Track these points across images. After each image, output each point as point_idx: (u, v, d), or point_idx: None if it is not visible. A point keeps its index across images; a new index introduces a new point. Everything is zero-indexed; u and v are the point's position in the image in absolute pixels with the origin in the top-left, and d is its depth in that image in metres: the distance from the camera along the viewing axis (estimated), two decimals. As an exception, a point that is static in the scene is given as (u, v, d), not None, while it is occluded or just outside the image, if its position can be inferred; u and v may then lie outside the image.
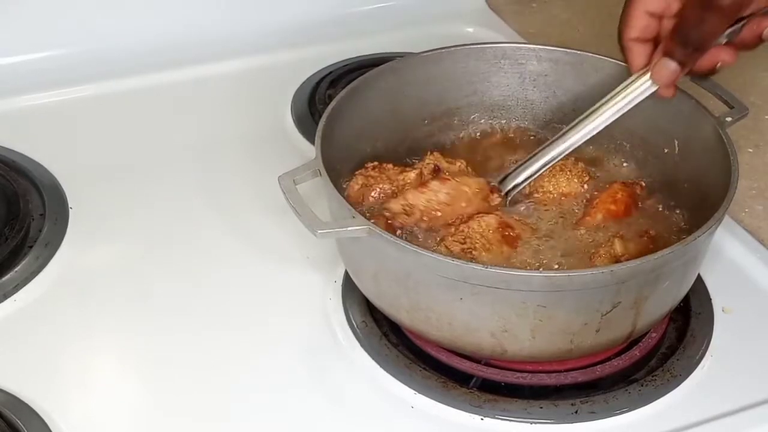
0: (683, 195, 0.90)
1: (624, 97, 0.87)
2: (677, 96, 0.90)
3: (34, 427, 0.77)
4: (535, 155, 0.90)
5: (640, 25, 0.85)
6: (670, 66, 0.83)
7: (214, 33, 1.23)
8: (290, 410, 0.81)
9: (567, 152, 0.89)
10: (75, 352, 0.85)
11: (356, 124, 0.91)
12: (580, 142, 0.89)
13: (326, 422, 0.80)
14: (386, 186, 0.89)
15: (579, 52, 0.96)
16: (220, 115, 1.13)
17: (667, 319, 0.87)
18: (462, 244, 0.82)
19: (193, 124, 1.12)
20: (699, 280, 0.90)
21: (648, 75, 0.86)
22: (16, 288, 0.89)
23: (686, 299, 0.87)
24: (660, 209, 0.91)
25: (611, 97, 0.88)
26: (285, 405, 0.81)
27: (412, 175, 0.89)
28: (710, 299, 0.89)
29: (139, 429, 0.79)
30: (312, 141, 0.91)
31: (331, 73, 1.18)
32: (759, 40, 0.85)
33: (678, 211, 0.90)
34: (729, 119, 0.89)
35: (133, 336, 0.87)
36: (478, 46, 0.98)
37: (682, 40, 0.82)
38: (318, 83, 1.17)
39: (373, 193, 0.88)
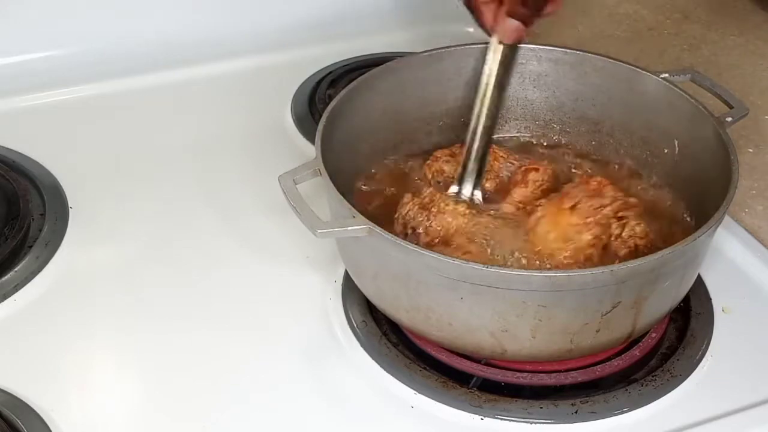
0: (683, 195, 0.91)
1: (496, 66, 0.91)
2: (677, 96, 0.91)
3: (34, 427, 0.77)
4: (467, 157, 0.91)
5: None
6: (513, 24, 0.89)
7: (214, 33, 1.23)
8: (290, 410, 0.81)
9: (488, 136, 0.91)
10: (75, 352, 0.85)
11: (356, 124, 0.91)
12: (491, 124, 0.91)
13: (326, 422, 0.80)
14: None
15: (579, 52, 0.97)
16: (220, 115, 1.14)
17: (667, 319, 0.87)
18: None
19: (193, 124, 1.12)
20: (699, 280, 0.90)
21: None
22: (16, 288, 0.89)
23: (686, 299, 0.87)
24: (660, 209, 0.91)
25: (488, 75, 0.92)
26: (285, 405, 0.81)
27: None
28: (710, 299, 0.89)
29: (139, 429, 0.79)
30: (312, 141, 0.91)
31: (331, 73, 1.18)
32: None
33: (678, 212, 0.90)
34: (729, 119, 0.89)
35: (132, 336, 0.87)
36: (478, 46, 0.98)
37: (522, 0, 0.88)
38: (318, 83, 1.17)
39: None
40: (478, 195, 0.91)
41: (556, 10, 0.91)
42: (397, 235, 0.83)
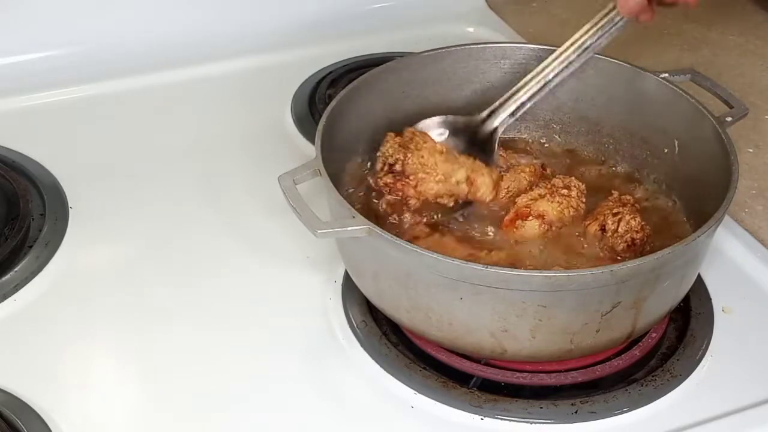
0: (683, 195, 0.91)
1: (597, 29, 0.89)
2: (677, 96, 0.91)
3: (34, 427, 0.77)
4: (518, 90, 0.92)
5: None
6: None
7: (215, 33, 1.23)
8: (290, 410, 0.81)
9: (549, 86, 0.91)
10: (75, 352, 0.85)
11: (356, 124, 0.91)
12: (561, 75, 0.91)
13: (326, 422, 0.80)
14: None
15: (579, 51, 0.96)
16: (220, 115, 1.14)
17: (667, 319, 0.87)
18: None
19: (193, 124, 1.12)
20: (699, 280, 0.90)
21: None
22: (16, 288, 0.89)
23: (686, 299, 0.87)
24: (660, 209, 0.91)
25: (586, 31, 0.90)
26: (285, 405, 0.81)
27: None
28: (710, 299, 0.89)
29: (139, 428, 0.79)
30: (312, 141, 0.91)
31: (331, 73, 1.18)
32: None
33: (678, 211, 0.90)
34: (729, 119, 0.89)
35: (132, 336, 0.87)
36: (478, 46, 0.98)
37: None
38: (318, 83, 1.17)
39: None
40: (501, 129, 0.92)
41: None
42: (376, 171, 0.88)
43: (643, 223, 0.86)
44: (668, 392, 0.81)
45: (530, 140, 1.00)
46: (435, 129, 0.93)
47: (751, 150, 1.09)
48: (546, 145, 0.99)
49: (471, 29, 1.30)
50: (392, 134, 0.90)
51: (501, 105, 0.93)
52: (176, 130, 1.11)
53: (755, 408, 0.81)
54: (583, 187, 0.90)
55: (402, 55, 1.05)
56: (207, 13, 1.24)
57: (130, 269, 0.93)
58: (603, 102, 0.96)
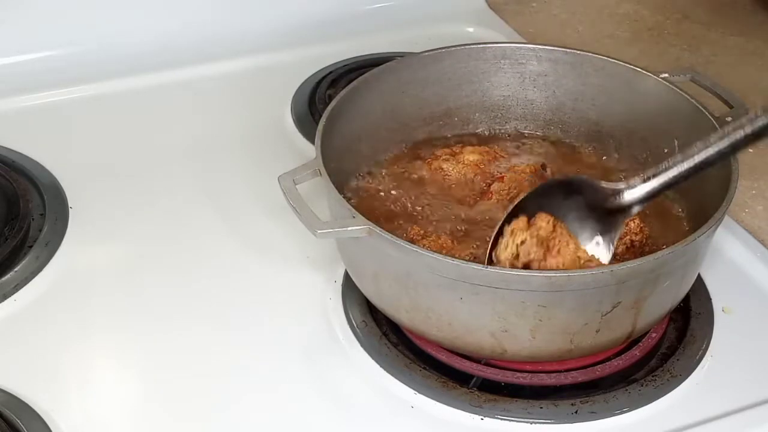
0: (683, 195, 0.91)
1: (748, 129, 0.79)
2: (677, 96, 0.91)
3: (34, 427, 0.77)
4: (667, 167, 0.80)
5: None
6: None
7: (214, 33, 1.23)
8: (290, 410, 0.81)
9: (705, 167, 0.80)
10: (75, 352, 0.85)
11: (356, 124, 0.91)
12: (721, 154, 0.79)
13: (326, 422, 0.80)
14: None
15: (579, 52, 0.96)
16: (220, 115, 1.14)
17: (667, 319, 0.87)
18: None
19: (193, 124, 1.12)
20: (699, 280, 0.90)
21: None
22: (16, 288, 0.89)
23: (686, 299, 0.87)
24: (659, 209, 0.91)
25: (737, 129, 0.79)
26: (285, 405, 0.81)
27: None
28: (710, 299, 0.89)
29: (139, 428, 0.79)
30: (312, 141, 0.91)
31: (331, 73, 1.18)
32: None
33: (678, 211, 0.90)
34: (729, 119, 0.89)
35: (132, 336, 0.87)
36: (478, 46, 0.98)
37: None
38: (318, 83, 1.17)
39: None
40: (636, 210, 0.82)
41: None
42: (500, 262, 0.79)
43: (642, 225, 0.86)
44: (668, 392, 0.81)
45: (531, 139, 1.00)
46: (562, 190, 0.83)
47: (751, 150, 1.08)
48: (546, 144, 0.99)
49: (471, 29, 1.30)
50: (524, 219, 0.79)
51: (645, 180, 0.81)
52: (176, 130, 1.11)
53: (755, 408, 0.81)
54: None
55: (402, 55, 1.05)
56: (207, 13, 1.24)
57: (130, 269, 0.93)
58: (603, 102, 0.96)
